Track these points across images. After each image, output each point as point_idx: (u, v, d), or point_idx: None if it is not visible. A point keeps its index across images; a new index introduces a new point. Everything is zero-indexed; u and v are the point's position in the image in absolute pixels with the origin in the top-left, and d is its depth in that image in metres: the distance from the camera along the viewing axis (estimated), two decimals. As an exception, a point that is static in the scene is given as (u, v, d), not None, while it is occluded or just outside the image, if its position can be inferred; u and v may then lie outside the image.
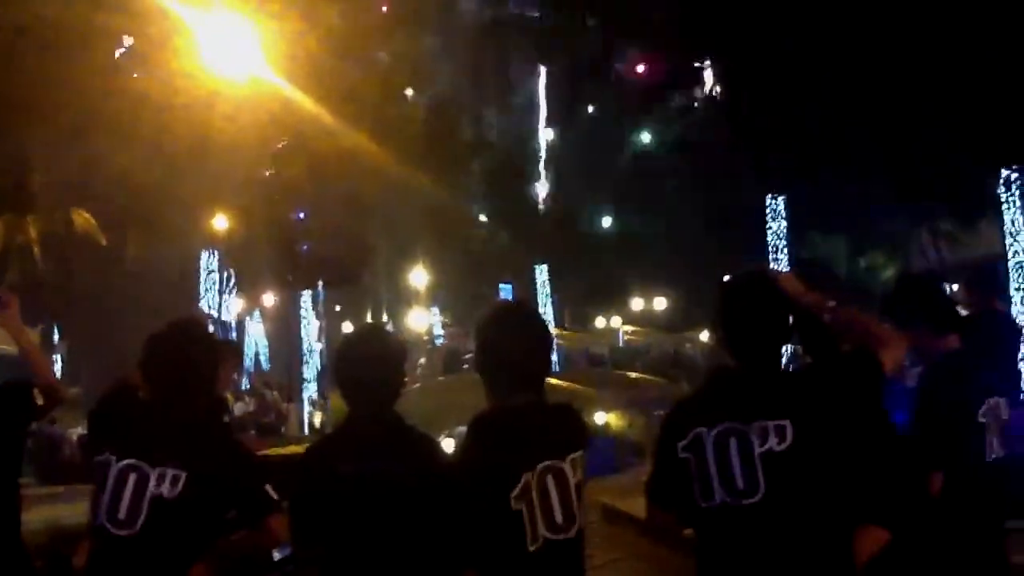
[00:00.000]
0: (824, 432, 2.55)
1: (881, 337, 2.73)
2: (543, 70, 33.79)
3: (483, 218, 31.85)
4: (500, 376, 2.76)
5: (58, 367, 25.14)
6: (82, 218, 21.05)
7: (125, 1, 16.91)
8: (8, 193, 19.93)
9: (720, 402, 2.64)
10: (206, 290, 25.39)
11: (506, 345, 2.76)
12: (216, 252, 25.70)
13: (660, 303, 39.74)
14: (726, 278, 2.90)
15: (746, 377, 2.67)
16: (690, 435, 2.61)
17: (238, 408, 19.09)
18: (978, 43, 18.79)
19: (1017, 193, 19.31)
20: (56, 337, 27.13)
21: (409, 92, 29.01)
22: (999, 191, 19.54)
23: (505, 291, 31.54)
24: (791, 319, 2.76)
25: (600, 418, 16.14)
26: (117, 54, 19.72)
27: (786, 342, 2.79)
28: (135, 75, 17.93)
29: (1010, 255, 19.01)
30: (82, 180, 19.78)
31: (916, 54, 19.84)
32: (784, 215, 22.86)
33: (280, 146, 22.20)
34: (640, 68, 28.92)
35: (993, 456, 3.47)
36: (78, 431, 16.76)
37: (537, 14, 31.45)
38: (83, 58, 17.09)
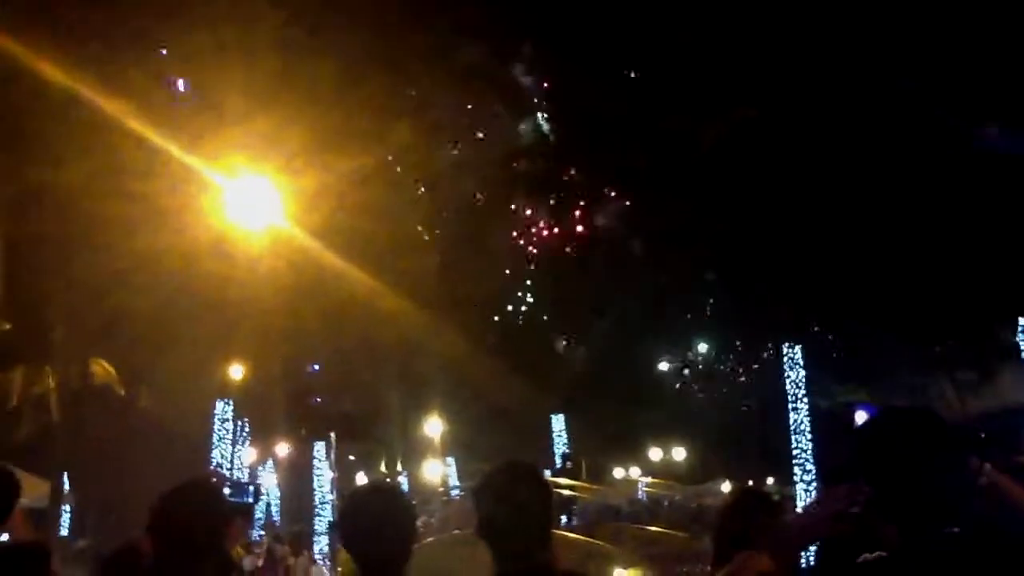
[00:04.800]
0: None
1: None
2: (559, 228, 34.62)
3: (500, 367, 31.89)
4: (507, 537, 2.68)
5: (66, 519, 24.72)
6: (102, 369, 21.20)
7: (151, 164, 17.59)
8: (27, 344, 20.18)
9: None
10: (219, 439, 25.24)
11: (512, 505, 2.69)
12: (230, 402, 25.69)
13: (679, 453, 39.12)
14: (866, 415, 2.36)
15: (941, 556, 1.94)
16: None
17: (247, 563, 18.58)
18: (990, 195, 19.21)
19: (1036, 341, 19.27)
20: (66, 488, 26.84)
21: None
22: (1018, 339, 19.48)
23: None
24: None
25: (619, 575, 15.60)
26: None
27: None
28: (158, 232, 18.43)
29: (1034, 403, 18.79)
30: (101, 332, 20.07)
31: (930, 208, 20.27)
32: (801, 364, 22.74)
33: (298, 295, 22.52)
34: None
35: None
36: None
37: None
38: (106, 217, 17.64)
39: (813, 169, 22.04)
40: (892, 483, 2.03)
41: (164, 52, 19.64)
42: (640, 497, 33.58)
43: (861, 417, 18.42)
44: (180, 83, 20.75)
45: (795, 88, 22.17)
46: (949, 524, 1.97)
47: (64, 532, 23.51)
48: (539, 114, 34.32)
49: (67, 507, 25.00)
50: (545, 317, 34.34)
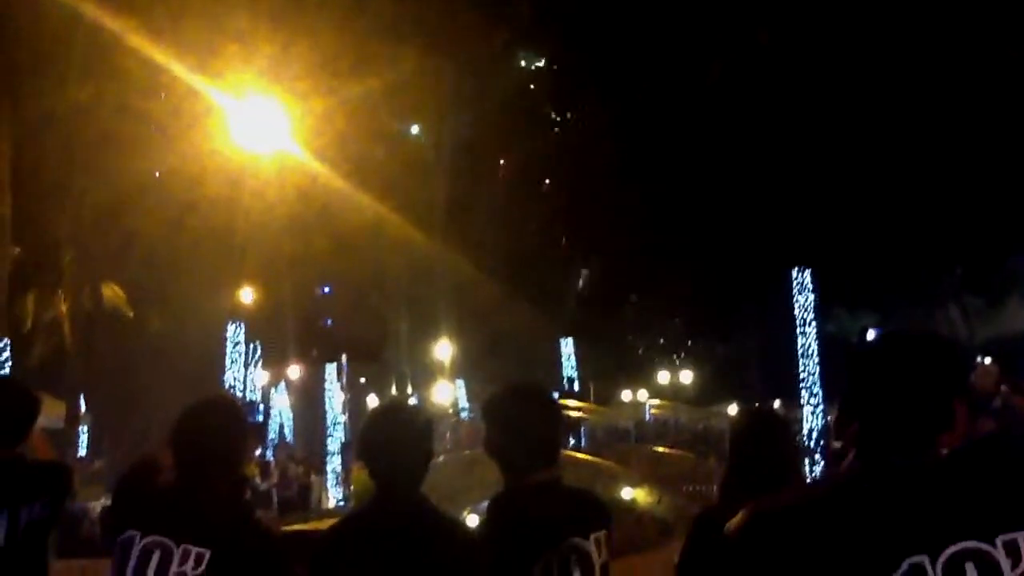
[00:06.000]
0: None
1: None
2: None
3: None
4: (515, 455, 2.73)
5: (83, 440, 25.17)
6: (111, 291, 21.34)
7: (156, 84, 17.41)
8: (38, 268, 20.30)
9: (924, 513, 1.84)
10: (232, 362, 25.47)
11: (519, 424, 2.73)
12: (242, 325, 25.88)
13: (686, 376, 39.50)
14: (869, 335, 2.21)
15: (938, 476, 1.88)
16: (904, 566, 1.81)
17: (261, 483, 18.97)
18: (1002, 123, 18.94)
19: (1049, 267, 19.16)
20: (83, 409, 27.28)
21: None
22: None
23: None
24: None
25: (626, 494, 15.87)
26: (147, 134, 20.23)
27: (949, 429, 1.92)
28: (164, 153, 18.36)
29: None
30: (110, 255, 20.14)
31: (942, 134, 20.02)
32: (811, 288, 22.74)
33: (306, 221, 22.50)
34: None
35: None
36: (101, 503, 16.63)
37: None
38: (112, 138, 17.55)
39: (825, 90, 21.72)
40: (864, 408, 1.95)
41: None
42: (647, 419, 33.99)
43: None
44: None
45: (805, 11, 21.72)
46: (917, 455, 1.89)
47: (82, 453, 23.99)
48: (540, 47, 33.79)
49: (84, 428, 25.51)
50: (553, 242, 34.34)
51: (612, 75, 27.53)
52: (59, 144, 17.68)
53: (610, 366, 35.39)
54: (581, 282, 33.64)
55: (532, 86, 33.13)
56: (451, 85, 28.93)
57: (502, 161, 32.89)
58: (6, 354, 19.38)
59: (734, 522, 1.98)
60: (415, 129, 29.80)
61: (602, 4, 27.09)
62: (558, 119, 32.56)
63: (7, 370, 19.09)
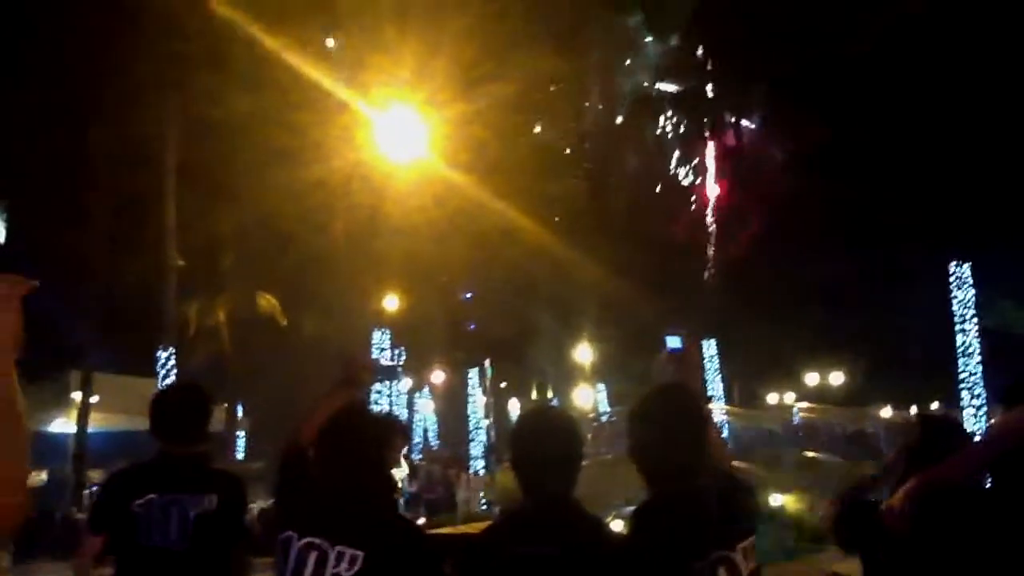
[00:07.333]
0: None
1: None
2: (710, 145, 33.90)
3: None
4: (660, 462, 2.68)
5: (242, 442, 26.37)
6: (266, 300, 22.32)
7: (309, 98, 18.10)
8: (202, 274, 21.40)
9: None
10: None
11: (664, 430, 2.68)
12: (387, 330, 26.55)
13: (837, 378, 38.13)
14: None
15: None
16: None
17: (406, 485, 19.38)
18: None
19: None
20: (240, 413, 28.62)
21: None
22: None
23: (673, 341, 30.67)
24: None
25: (775, 500, 15.43)
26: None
27: None
28: (314, 164, 19.06)
29: None
30: (266, 261, 21.09)
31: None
32: (971, 283, 21.55)
33: (444, 227, 22.89)
34: None
35: None
36: (259, 505, 17.34)
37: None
38: (267, 149, 18.33)
39: (982, 68, 20.52)
40: None
41: None
42: (795, 422, 32.93)
43: None
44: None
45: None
46: None
47: (240, 455, 25.16)
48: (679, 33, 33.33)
49: (241, 432, 26.75)
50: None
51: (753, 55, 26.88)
52: (218, 153, 18.56)
53: (754, 367, 34.49)
54: (720, 278, 33.02)
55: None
56: (584, 84, 28.92)
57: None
58: (173, 360, 20.56)
59: (901, 494, 1.91)
60: (549, 129, 29.94)
61: None
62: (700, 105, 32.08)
63: (174, 376, 20.24)
